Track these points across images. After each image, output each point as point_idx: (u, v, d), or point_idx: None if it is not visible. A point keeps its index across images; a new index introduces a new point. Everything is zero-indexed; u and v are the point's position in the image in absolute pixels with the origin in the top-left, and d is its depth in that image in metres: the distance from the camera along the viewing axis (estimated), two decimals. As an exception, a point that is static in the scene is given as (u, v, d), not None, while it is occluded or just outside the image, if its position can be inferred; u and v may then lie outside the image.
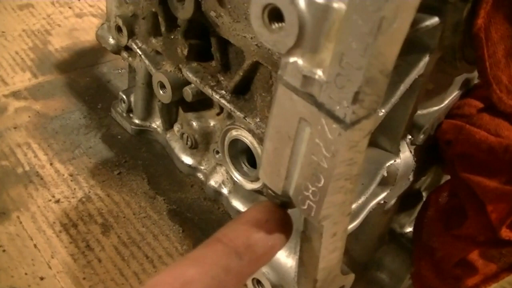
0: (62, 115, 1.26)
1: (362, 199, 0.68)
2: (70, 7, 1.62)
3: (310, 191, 0.42)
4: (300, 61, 0.39)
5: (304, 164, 0.41)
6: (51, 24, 1.54)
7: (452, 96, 0.79)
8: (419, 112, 0.76)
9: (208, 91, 0.89)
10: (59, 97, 1.31)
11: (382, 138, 0.73)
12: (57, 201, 1.06)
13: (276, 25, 0.39)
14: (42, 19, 1.56)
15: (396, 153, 0.73)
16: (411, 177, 0.78)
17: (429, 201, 0.87)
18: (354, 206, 0.67)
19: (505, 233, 0.75)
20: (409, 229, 0.95)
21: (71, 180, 1.11)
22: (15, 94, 1.30)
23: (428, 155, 0.84)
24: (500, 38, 0.65)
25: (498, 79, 0.67)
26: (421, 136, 0.77)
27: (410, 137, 0.76)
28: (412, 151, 0.76)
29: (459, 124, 0.77)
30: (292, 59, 0.39)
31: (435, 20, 0.61)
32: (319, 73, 0.38)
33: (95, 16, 1.58)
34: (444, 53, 0.67)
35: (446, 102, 0.79)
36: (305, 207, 0.43)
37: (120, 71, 1.37)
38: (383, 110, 0.63)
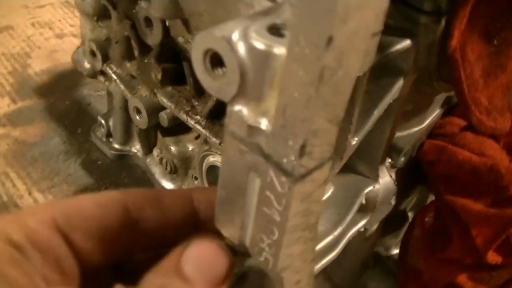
0: (41, 141, 1.23)
1: (339, 229, 0.65)
2: (50, 28, 1.60)
3: (266, 243, 0.39)
4: (244, 110, 0.36)
5: (257, 216, 0.39)
6: (31, 46, 1.52)
7: (433, 115, 0.77)
8: (398, 134, 0.74)
9: (183, 116, 0.86)
10: (38, 123, 1.28)
11: (360, 164, 0.71)
12: (36, 232, 1.03)
13: (218, 72, 0.36)
14: (21, 42, 1.53)
15: (375, 178, 0.71)
16: (393, 201, 0.75)
17: (414, 222, 0.85)
18: (330, 238, 0.64)
19: (491, 257, 0.73)
20: (395, 251, 0.92)
21: (50, 210, 1.08)
22: (-6, 121, 1.28)
23: (412, 176, 0.81)
24: (477, 58, 0.63)
25: (476, 100, 0.64)
26: (402, 159, 0.74)
27: (389, 160, 0.74)
28: (393, 175, 0.74)
29: (441, 145, 0.75)
30: (236, 108, 0.36)
31: (407, 43, 0.59)
32: (265, 123, 0.35)
33: (75, 36, 1.56)
34: (420, 75, 0.65)
35: (427, 122, 0.76)
36: (262, 259, 0.40)
37: (100, 93, 1.35)
38: (356, 139, 0.61)
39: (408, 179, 0.82)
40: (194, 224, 0.45)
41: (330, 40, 0.28)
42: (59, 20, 1.64)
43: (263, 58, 0.33)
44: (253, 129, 0.36)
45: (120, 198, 0.42)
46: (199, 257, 0.41)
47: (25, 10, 1.66)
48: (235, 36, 0.34)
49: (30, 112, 1.31)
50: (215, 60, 0.36)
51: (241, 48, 0.34)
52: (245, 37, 0.34)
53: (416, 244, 0.83)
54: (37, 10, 1.67)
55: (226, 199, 0.41)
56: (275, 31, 0.35)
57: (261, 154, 0.36)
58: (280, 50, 0.33)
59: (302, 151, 0.32)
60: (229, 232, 0.42)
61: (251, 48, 0.33)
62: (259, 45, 0.33)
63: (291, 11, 0.34)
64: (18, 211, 0.40)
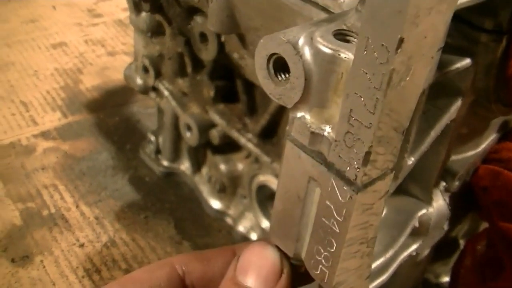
0: (90, 156, 1.24)
1: (391, 252, 0.63)
2: (102, 45, 1.62)
3: (322, 255, 0.38)
4: (307, 117, 0.35)
5: (315, 227, 0.38)
6: (83, 63, 1.54)
7: (488, 140, 0.75)
8: (453, 157, 0.72)
9: (234, 134, 0.86)
10: (87, 138, 1.29)
11: (413, 186, 0.69)
12: (81, 245, 1.04)
13: (281, 77, 0.36)
14: (74, 58, 1.56)
15: (429, 201, 0.69)
16: (445, 226, 0.73)
17: (466, 250, 0.83)
18: (381, 260, 0.63)
19: (546, 287, 0.70)
20: (445, 279, 0.90)
21: (96, 224, 1.08)
22: (44, 134, 1.30)
23: (465, 202, 0.79)
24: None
25: (536, 124, 0.63)
26: (456, 183, 0.72)
27: (444, 184, 0.72)
28: (446, 199, 0.72)
29: (496, 170, 0.73)
30: (299, 114, 0.35)
31: (466, 62, 0.58)
32: (328, 130, 0.34)
33: (127, 54, 1.58)
34: (477, 96, 0.63)
35: (482, 146, 0.74)
36: (318, 272, 0.39)
37: (150, 110, 1.35)
38: (412, 159, 0.59)
39: (460, 205, 0.80)
40: None
41: (400, 41, 0.28)
42: (111, 38, 1.66)
43: (329, 63, 0.33)
44: (316, 136, 0.35)
45: (168, 261, 0.45)
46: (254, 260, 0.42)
47: (79, 28, 1.69)
48: (301, 40, 0.34)
49: (79, 127, 1.33)
50: (278, 66, 0.36)
51: (307, 53, 0.33)
52: (311, 41, 0.33)
53: (467, 273, 0.81)
54: (90, 28, 1.70)
55: (283, 210, 0.40)
56: (341, 36, 0.34)
57: (323, 162, 0.35)
58: (346, 54, 0.32)
59: (366, 159, 0.32)
60: (284, 245, 0.42)
61: (317, 53, 0.33)
62: (326, 49, 0.33)
63: (359, 16, 0.34)
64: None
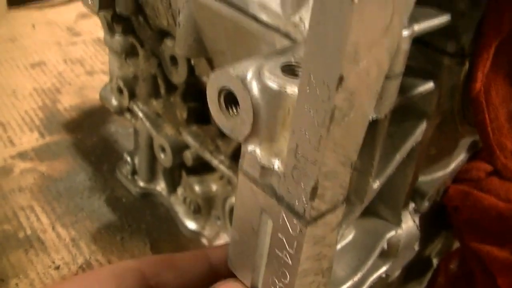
0: (67, 177, 1.24)
1: (359, 275, 0.64)
2: (81, 65, 1.62)
3: (278, 286, 0.38)
4: (257, 150, 0.35)
5: (269, 259, 0.38)
6: (61, 82, 1.54)
7: (458, 160, 0.75)
8: (422, 178, 0.72)
9: (207, 156, 0.86)
10: (64, 158, 1.29)
11: (382, 208, 0.69)
12: (57, 268, 1.03)
13: (232, 111, 0.36)
14: (53, 77, 1.56)
15: (398, 223, 0.69)
16: (416, 247, 0.74)
17: (439, 269, 0.83)
18: (349, 283, 0.63)
19: (517, 308, 0.70)
20: (419, 298, 0.90)
21: (72, 246, 1.08)
22: (22, 155, 1.29)
23: (436, 221, 0.80)
24: (502, 101, 0.62)
25: (501, 145, 0.63)
26: (425, 204, 0.73)
27: (413, 205, 0.72)
28: (416, 220, 0.72)
29: (466, 190, 0.73)
30: (250, 148, 0.36)
31: (429, 85, 0.58)
32: (278, 164, 0.34)
33: (105, 73, 1.57)
34: (443, 118, 0.64)
35: (452, 166, 0.75)
36: (275, 303, 0.39)
37: (127, 130, 1.35)
38: (377, 182, 0.60)
39: (432, 224, 0.80)
40: (214, 282, 0.45)
41: (340, 80, 0.28)
42: (90, 57, 1.66)
43: (276, 98, 0.33)
44: (266, 170, 0.35)
45: (136, 266, 0.43)
46: None
47: (58, 47, 1.69)
48: (249, 75, 0.34)
49: (57, 147, 1.32)
50: (230, 99, 0.36)
51: (255, 87, 0.34)
52: (258, 76, 0.34)
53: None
54: (70, 47, 1.70)
55: (240, 240, 0.40)
56: (289, 70, 0.34)
57: (273, 195, 0.35)
58: (293, 89, 0.33)
59: (313, 194, 0.32)
60: (242, 274, 0.42)
61: (264, 88, 0.33)
62: (272, 84, 0.33)
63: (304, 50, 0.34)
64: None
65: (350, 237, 0.67)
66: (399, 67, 0.50)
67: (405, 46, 0.49)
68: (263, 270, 0.39)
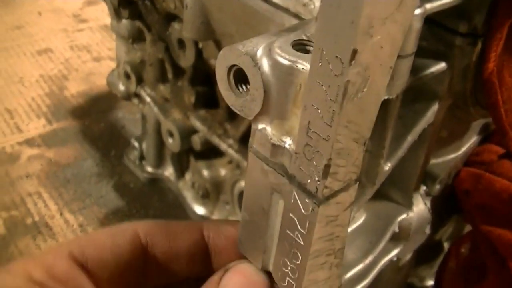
0: (75, 163, 1.24)
1: (370, 258, 0.63)
2: (88, 51, 1.61)
3: (289, 268, 0.38)
4: (268, 129, 0.35)
5: (280, 240, 0.37)
6: (68, 69, 1.54)
7: (469, 142, 0.74)
8: (433, 161, 0.72)
9: (215, 140, 0.85)
10: (72, 144, 1.29)
11: (393, 191, 0.69)
12: (65, 254, 1.03)
13: (242, 89, 0.35)
14: (60, 64, 1.55)
15: (409, 206, 0.69)
16: (427, 230, 0.73)
17: (450, 253, 0.82)
18: (360, 266, 0.62)
19: (529, 291, 0.70)
20: (430, 283, 0.89)
21: (80, 231, 1.08)
22: (29, 142, 1.29)
23: (448, 205, 0.79)
24: (515, 82, 0.61)
25: (514, 126, 0.62)
26: (437, 187, 0.72)
27: (424, 188, 0.72)
28: (427, 203, 0.71)
29: (477, 173, 0.73)
30: (260, 126, 0.35)
31: (441, 66, 0.57)
32: (289, 142, 0.34)
33: (112, 59, 1.57)
34: (455, 100, 0.63)
35: (463, 149, 0.74)
36: (285, 284, 0.39)
37: (135, 116, 1.35)
38: (389, 164, 0.59)
39: (444, 208, 0.79)
40: (205, 256, 0.45)
41: (354, 53, 0.27)
42: (97, 44, 1.65)
43: (287, 74, 0.32)
44: (277, 148, 0.34)
45: (131, 227, 0.43)
46: (239, 283, 0.41)
47: (64, 34, 1.69)
48: (259, 52, 0.33)
49: (64, 134, 1.32)
50: (239, 77, 0.35)
51: (265, 64, 0.33)
52: (269, 52, 0.33)
53: (451, 276, 0.80)
54: (76, 33, 1.69)
55: (250, 221, 0.40)
56: (300, 46, 0.34)
57: (284, 174, 0.34)
58: (304, 65, 0.32)
59: (326, 172, 0.31)
60: (252, 256, 0.41)
61: (275, 64, 0.32)
62: (283, 60, 0.32)
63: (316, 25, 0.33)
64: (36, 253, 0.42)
65: (361, 220, 0.66)
66: (411, 46, 0.49)
67: (417, 25, 0.48)
68: (274, 251, 0.39)
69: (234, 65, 0.35)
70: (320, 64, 0.29)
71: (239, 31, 0.64)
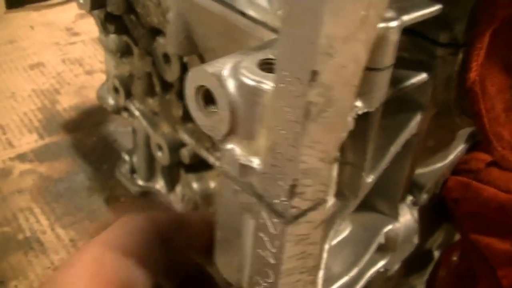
0: (67, 177, 1.24)
1: (355, 270, 0.63)
2: (80, 64, 1.61)
3: (262, 286, 0.37)
4: (237, 149, 0.35)
5: (253, 258, 0.37)
6: (60, 83, 1.54)
7: (456, 151, 0.74)
8: (420, 170, 0.72)
9: (204, 153, 0.85)
10: (64, 159, 1.29)
11: (379, 202, 0.68)
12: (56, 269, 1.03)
13: (211, 109, 0.35)
14: (52, 78, 1.55)
15: (395, 217, 0.68)
16: (415, 240, 0.73)
17: (441, 261, 0.82)
18: (345, 279, 0.62)
19: (519, 300, 0.70)
20: (421, 292, 0.89)
21: (71, 246, 1.08)
22: (21, 157, 1.29)
23: (437, 213, 0.79)
24: (498, 91, 0.61)
25: (498, 135, 0.62)
26: (424, 196, 0.72)
27: (411, 198, 0.71)
28: (414, 213, 0.71)
29: (465, 181, 0.73)
30: (229, 146, 0.35)
31: (422, 76, 0.57)
32: (257, 162, 0.34)
33: (105, 72, 1.57)
34: (439, 109, 0.63)
35: (451, 157, 0.74)
36: (261, 303, 0.38)
37: (126, 129, 1.35)
38: (371, 176, 0.59)
39: (433, 216, 0.79)
40: None
41: (314, 74, 0.27)
42: (89, 57, 1.65)
43: (252, 95, 0.32)
44: (245, 168, 0.34)
45: (150, 220, 0.44)
46: None
47: (57, 47, 1.69)
48: (225, 72, 0.33)
49: (56, 148, 1.32)
50: (208, 97, 0.35)
51: (231, 85, 0.33)
52: (235, 73, 0.33)
53: (442, 285, 0.80)
54: (68, 47, 1.69)
55: (224, 240, 0.40)
56: (266, 66, 0.33)
57: (253, 194, 0.34)
58: (269, 86, 0.32)
59: (292, 192, 0.31)
60: (228, 273, 0.41)
61: (240, 85, 0.32)
62: (248, 81, 0.32)
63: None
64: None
65: (346, 232, 0.66)
66: (389, 59, 0.49)
67: (394, 37, 0.48)
68: (248, 269, 0.38)
69: (202, 86, 0.35)
70: (282, 85, 0.29)
71: (221, 45, 0.64)
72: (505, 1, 0.54)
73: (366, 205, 0.67)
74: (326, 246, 0.56)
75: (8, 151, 1.31)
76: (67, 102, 1.47)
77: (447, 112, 0.64)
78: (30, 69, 1.59)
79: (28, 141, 1.34)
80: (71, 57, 1.65)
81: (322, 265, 0.55)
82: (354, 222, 0.67)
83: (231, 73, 0.33)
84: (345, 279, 0.62)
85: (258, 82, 0.32)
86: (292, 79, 0.28)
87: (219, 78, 0.33)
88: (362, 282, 0.65)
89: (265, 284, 0.37)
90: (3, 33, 1.74)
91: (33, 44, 1.70)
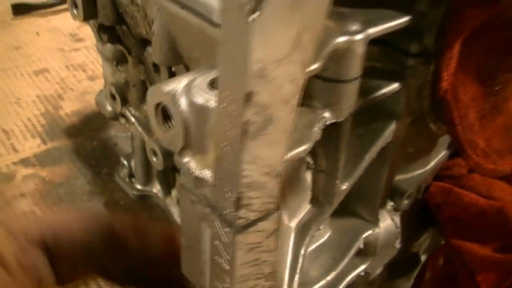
0: (68, 181, 1.26)
1: (332, 275, 0.65)
2: (83, 70, 1.64)
3: (222, 292, 0.39)
4: (192, 162, 0.37)
5: (211, 265, 0.39)
6: (64, 88, 1.56)
7: (438, 157, 0.76)
8: (401, 176, 0.73)
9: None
10: (65, 163, 1.31)
11: (359, 207, 0.70)
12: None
13: (168, 125, 0.37)
14: (55, 84, 1.58)
15: (375, 222, 0.70)
16: (397, 245, 0.74)
17: (426, 265, 0.84)
18: (322, 283, 0.64)
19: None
20: (408, 295, 0.90)
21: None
22: (24, 162, 1.31)
23: (422, 218, 0.80)
24: (471, 99, 0.62)
25: (472, 143, 0.63)
26: (405, 202, 0.73)
27: (392, 203, 0.73)
28: (395, 218, 0.73)
29: (447, 187, 0.74)
30: (185, 159, 0.37)
31: (394, 86, 0.59)
32: (209, 175, 0.36)
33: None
34: (414, 117, 0.64)
35: (432, 164, 0.75)
36: (222, 307, 0.41)
37: (126, 134, 1.37)
38: (346, 183, 0.61)
39: (418, 221, 0.80)
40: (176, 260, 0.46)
41: (248, 95, 0.29)
42: (92, 62, 1.68)
43: (202, 112, 0.34)
44: (200, 181, 0.36)
45: (109, 224, 0.46)
46: None
47: (61, 53, 1.71)
48: (179, 90, 0.35)
49: (58, 153, 1.34)
50: (166, 114, 0.37)
51: (183, 102, 0.35)
52: (187, 91, 0.35)
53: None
54: (72, 53, 1.72)
55: (188, 247, 0.42)
56: (216, 85, 0.35)
57: (207, 204, 0.36)
58: (215, 104, 0.34)
59: (237, 204, 0.33)
60: (192, 278, 0.43)
61: (191, 103, 0.34)
62: (197, 99, 0.34)
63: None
64: (9, 222, 0.44)
65: (325, 237, 0.68)
66: (355, 71, 0.51)
67: (359, 50, 0.50)
68: (208, 275, 0.40)
69: (159, 103, 0.37)
70: (223, 104, 0.31)
71: (203, 56, 0.65)
72: (472, 12, 0.56)
73: (346, 211, 0.69)
74: (302, 251, 0.59)
75: (11, 156, 1.33)
76: (70, 108, 1.49)
77: (421, 121, 0.65)
78: (34, 75, 1.61)
79: (31, 146, 1.36)
80: (75, 63, 1.67)
81: (298, 270, 0.57)
82: (333, 227, 0.69)
83: (184, 91, 0.35)
84: (321, 283, 0.64)
85: (206, 100, 0.34)
86: (231, 99, 0.30)
87: (173, 97, 0.35)
88: (343, 285, 0.66)
89: (223, 290, 0.39)
90: (9, 39, 1.77)
91: (38, 50, 1.72)
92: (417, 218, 0.79)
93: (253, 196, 0.33)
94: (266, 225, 0.36)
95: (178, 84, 0.35)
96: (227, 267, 0.37)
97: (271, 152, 0.33)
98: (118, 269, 0.46)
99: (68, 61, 1.67)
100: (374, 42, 0.53)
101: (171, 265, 0.46)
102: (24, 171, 1.29)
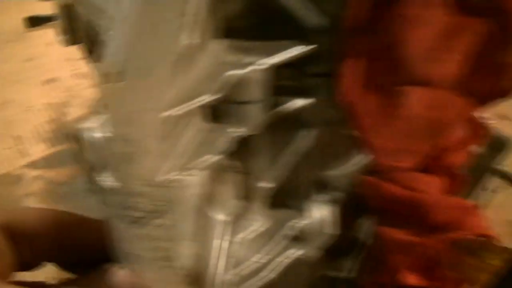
0: (71, 181, 1.39)
1: (265, 258, 0.75)
2: (88, 78, 1.76)
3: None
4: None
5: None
6: (70, 96, 1.69)
7: (366, 154, 0.83)
8: (332, 172, 0.80)
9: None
10: (69, 165, 1.44)
11: (292, 201, 0.79)
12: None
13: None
14: (63, 92, 1.71)
15: (307, 212, 0.79)
16: (330, 231, 0.82)
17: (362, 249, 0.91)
18: (256, 264, 0.73)
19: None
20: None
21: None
22: (33, 164, 1.45)
23: (358, 207, 0.88)
24: (370, 109, 0.71)
25: (374, 145, 0.73)
26: (336, 194, 0.82)
27: (325, 195, 0.81)
28: (327, 208, 0.81)
29: (375, 181, 0.81)
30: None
31: (303, 101, 0.68)
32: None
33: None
34: (332, 123, 0.72)
35: (360, 160, 0.81)
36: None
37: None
38: (268, 183, 0.71)
39: (354, 209, 0.88)
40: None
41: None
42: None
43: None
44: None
45: (57, 218, 0.57)
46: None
47: (69, 63, 1.84)
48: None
49: (63, 156, 1.47)
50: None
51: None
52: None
53: (363, 268, 0.90)
54: (80, 62, 1.84)
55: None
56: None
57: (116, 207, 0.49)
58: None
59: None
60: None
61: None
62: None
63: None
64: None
65: (262, 227, 0.77)
66: (256, 95, 0.61)
67: (256, 77, 0.60)
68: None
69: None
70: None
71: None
72: (360, 40, 0.66)
73: (281, 204, 0.78)
74: (231, 240, 0.69)
75: (22, 160, 1.47)
76: (75, 114, 1.62)
77: (340, 128, 0.74)
78: (45, 84, 1.74)
79: (40, 150, 1.50)
80: (82, 71, 1.79)
81: (224, 255, 0.68)
82: (270, 218, 0.78)
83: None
84: (255, 264, 0.74)
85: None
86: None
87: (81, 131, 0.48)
88: (272, 266, 0.76)
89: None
90: (23, 52, 1.90)
91: (49, 61, 1.85)
92: (355, 207, 0.85)
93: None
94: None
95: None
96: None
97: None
98: (66, 257, 0.57)
99: (75, 70, 1.80)
100: (285, 65, 0.63)
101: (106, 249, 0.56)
102: (33, 173, 1.42)
